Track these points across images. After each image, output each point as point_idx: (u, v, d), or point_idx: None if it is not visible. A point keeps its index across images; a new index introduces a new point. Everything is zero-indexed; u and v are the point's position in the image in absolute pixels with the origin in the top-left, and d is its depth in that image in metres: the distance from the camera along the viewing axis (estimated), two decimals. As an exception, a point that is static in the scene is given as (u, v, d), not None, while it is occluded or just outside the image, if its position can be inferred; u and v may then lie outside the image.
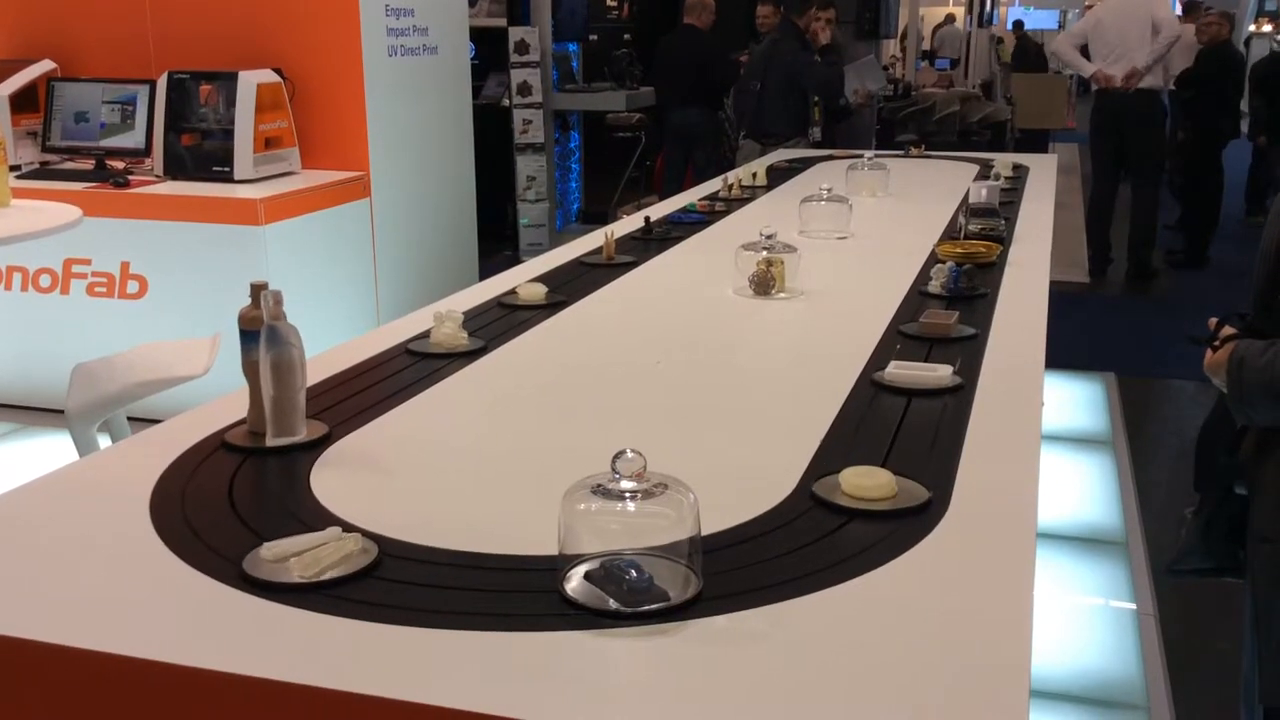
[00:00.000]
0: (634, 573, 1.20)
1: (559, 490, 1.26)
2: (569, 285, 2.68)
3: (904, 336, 2.23)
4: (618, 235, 3.10)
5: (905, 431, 1.72)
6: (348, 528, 1.36)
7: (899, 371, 1.95)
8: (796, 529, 1.40)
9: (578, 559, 1.24)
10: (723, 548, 1.34)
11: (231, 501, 1.49)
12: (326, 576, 1.25)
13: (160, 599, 1.25)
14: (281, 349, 1.59)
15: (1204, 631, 3.09)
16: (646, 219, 3.38)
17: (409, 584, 1.26)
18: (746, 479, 1.58)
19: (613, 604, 1.19)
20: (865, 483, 1.46)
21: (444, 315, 2.19)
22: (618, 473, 1.22)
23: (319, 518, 1.43)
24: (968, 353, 2.12)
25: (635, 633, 1.16)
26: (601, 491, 1.22)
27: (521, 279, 2.65)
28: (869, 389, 1.92)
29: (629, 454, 1.22)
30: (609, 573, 1.21)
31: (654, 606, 1.18)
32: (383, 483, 1.61)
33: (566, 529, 1.23)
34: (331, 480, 1.57)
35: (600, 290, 2.66)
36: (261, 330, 1.59)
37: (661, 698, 1.07)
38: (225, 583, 1.26)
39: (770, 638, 1.16)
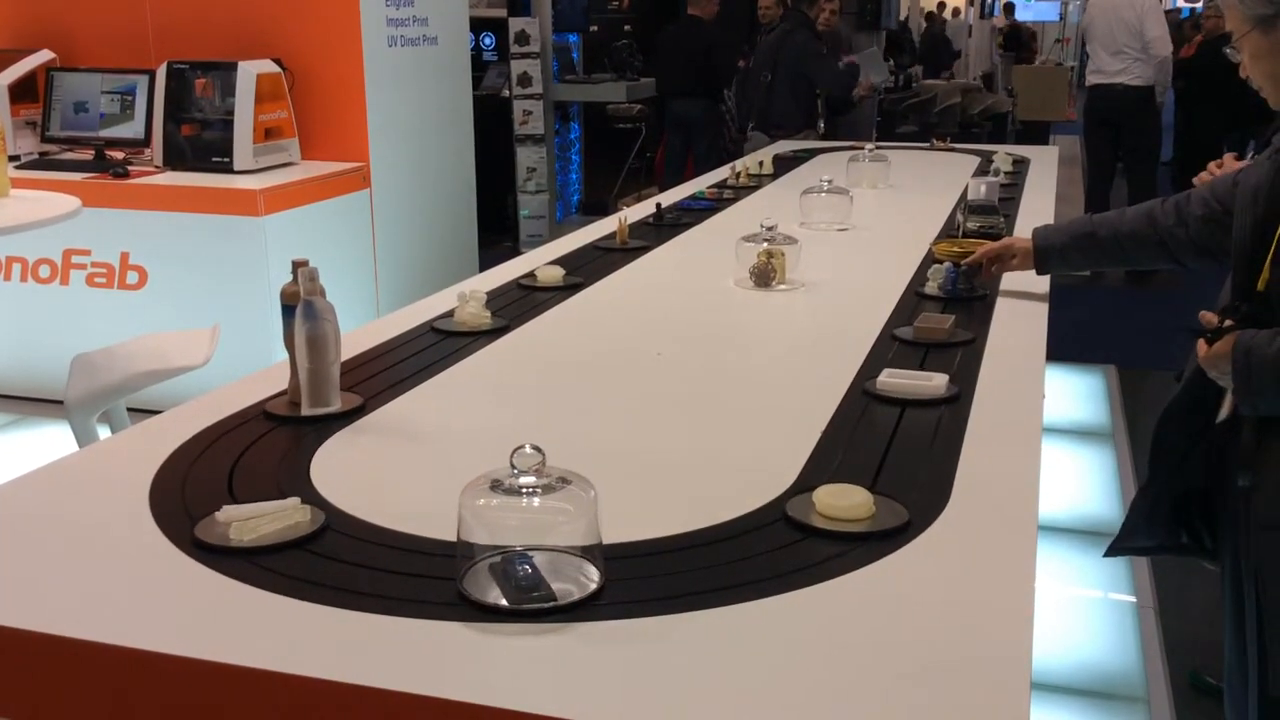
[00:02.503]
0: (526, 569, 1.19)
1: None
2: (585, 268, 2.77)
3: (898, 342, 2.15)
4: (630, 220, 3.19)
5: (897, 445, 1.64)
6: (309, 499, 1.41)
7: (892, 381, 1.86)
8: (755, 539, 1.35)
9: (473, 553, 1.22)
10: (670, 550, 1.32)
11: (232, 471, 1.54)
12: (260, 544, 1.31)
13: (135, 577, 1.27)
14: (316, 324, 1.65)
15: (1203, 624, 3.09)
16: (658, 205, 3.47)
17: (333, 560, 1.30)
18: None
19: (501, 600, 1.18)
20: (840, 502, 1.38)
21: (468, 295, 2.28)
22: (516, 468, 1.20)
23: (298, 488, 1.48)
24: (965, 359, 2.04)
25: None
26: (499, 487, 1.21)
27: (539, 261, 2.76)
28: (861, 398, 1.83)
29: (527, 449, 1.21)
30: (504, 568, 1.20)
31: (537, 606, 1.17)
32: (381, 460, 1.64)
33: (464, 523, 1.21)
34: (338, 453, 1.62)
35: (613, 275, 2.73)
36: (297, 305, 1.65)
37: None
38: (179, 546, 1.32)
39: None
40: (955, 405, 1.80)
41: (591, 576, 1.22)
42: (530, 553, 1.22)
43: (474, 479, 1.23)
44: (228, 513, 1.35)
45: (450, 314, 2.30)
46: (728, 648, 1.13)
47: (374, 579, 1.26)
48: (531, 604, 1.17)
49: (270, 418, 1.74)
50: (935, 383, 1.83)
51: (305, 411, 1.71)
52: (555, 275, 2.61)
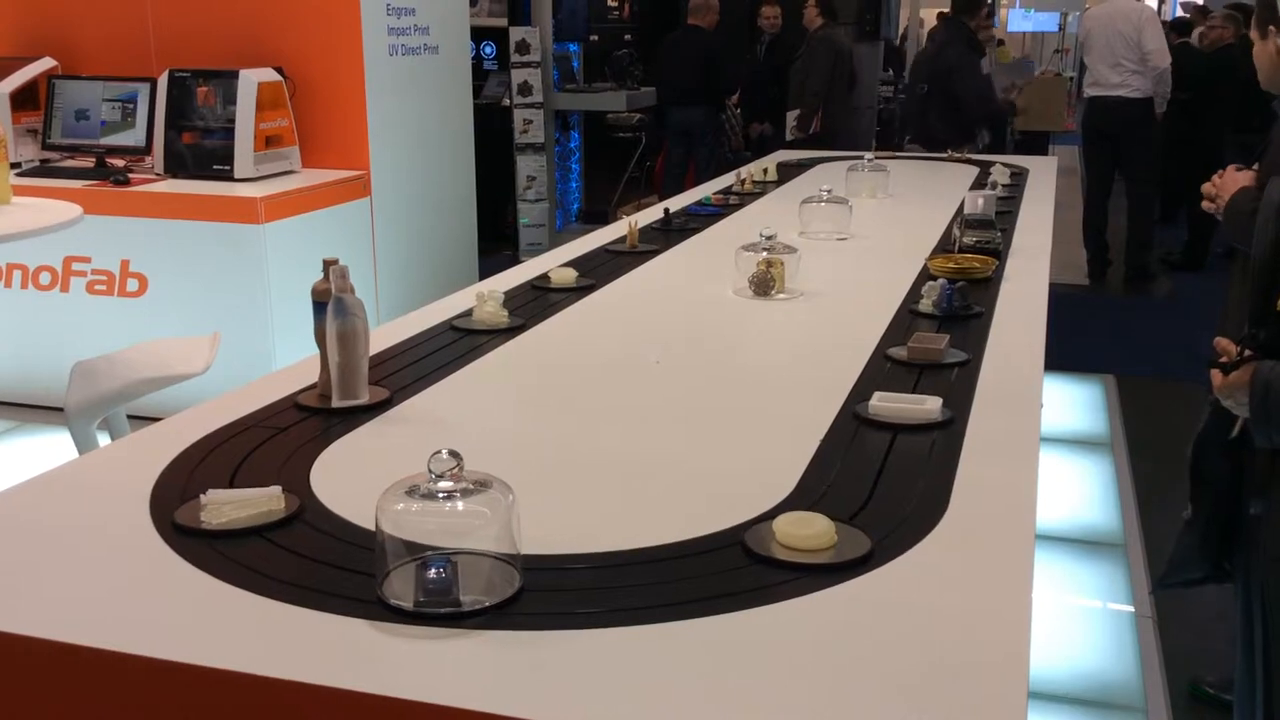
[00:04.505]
0: (440, 573, 1.19)
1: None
2: (596, 270, 2.83)
3: (891, 362, 2.07)
4: (640, 225, 3.28)
5: (888, 472, 1.57)
6: (300, 489, 1.47)
7: (884, 404, 1.77)
8: (707, 560, 1.31)
9: (388, 555, 1.22)
10: (618, 565, 1.30)
11: (244, 460, 1.60)
12: (228, 527, 1.37)
13: (132, 581, 1.27)
14: (346, 319, 1.72)
15: (1201, 634, 3.09)
16: (666, 210, 3.55)
17: (286, 550, 1.33)
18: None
19: (406, 602, 1.18)
20: (801, 531, 1.31)
21: (486, 295, 2.35)
22: (432, 472, 1.21)
23: (294, 478, 1.52)
24: (959, 380, 1.97)
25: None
26: (417, 491, 1.22)
27: (543, 267, 2.83)
28: (852, 422, 1.76)
29: (444, 454, 1.21)
30: (420, 571, 1.21)
31: (436, 610, 1.17)
32: (389, 455, 1.66)
33: (380, 526, 1.22)
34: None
35: (621, 279, 2.79)
36: (329, 302, 1.72)
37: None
38: (159, 529, 1.37)
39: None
40: (949, 430, 1.72)
41: (509, 582, 1.22)
42: (447, 556, 1.22)
43: (394, 483, 1.24)
44: (210, 496, 1.40)
45: (468, 313, 2.36)
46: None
47: (314, 571, 1.28)
48: (433, 608, 1.17)
49: (301, 409, 1.80)
50: (928, 406, 1.76)
51: (335, 404, 1.78)
52: (568, 277, 2.69)
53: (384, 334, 2.25)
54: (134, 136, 4.65)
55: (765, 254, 2.58)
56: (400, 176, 4.97)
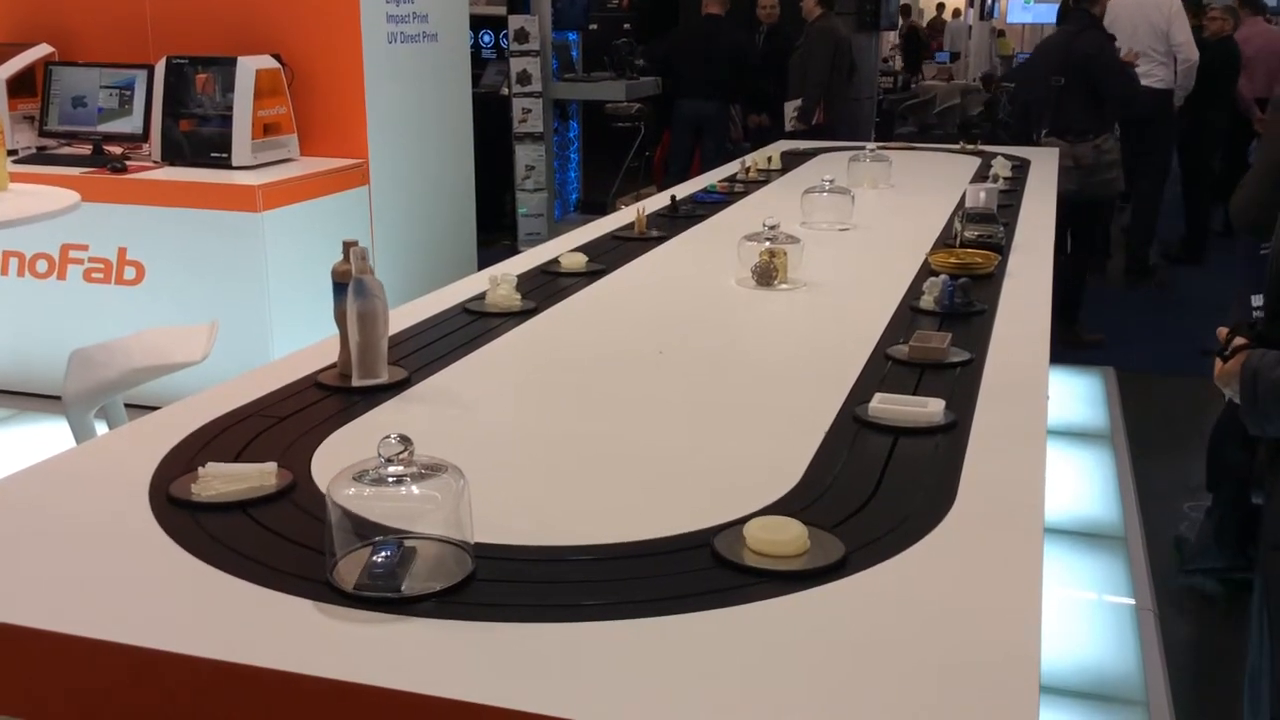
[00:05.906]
0: (386, 557, 1.19)
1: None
2: (606, 256, 2.88)
3: (892, 361, 2.01)
4: (647, 211, 3.33)
5: (889, 476, 1.51)
6: (293, 465, 1.49)
7: (884, 406, 1.71)
8: (673, 561, 1.28)
9: (336, 537, 1.21)
10: (595, 559, 1.28)
11: (254, 436, 1.62)
12: (215, 500, 1.39)
13: (134, 576, 1.26)
14: (367, 300, 1.75)
15: (1203, 626, 3.09)
16: (672, 197, 3.59)
17: (261, 526, 1.34)
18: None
19: (349, 586, 1.18)
20: (773, 537, 1.27)
21: (499, 279, 2.39)
22: (382, 456, 1.21)
23: (295, 456, 1.54)
24: (962, 380, 1.91)
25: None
26: (366, 476, 1.21)
27: (554, 252, 2.88)
28: (852, 424, 1.70)
29: (392, 439, 1.21)
30: (369, 555, 1.20)
31: (372, 594, 1.16)
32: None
33: (331, 509, 1.21)
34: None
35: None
36: (350, 283, 1.75)
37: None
38: (153, 504, 1.39)
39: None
40: (952, 433, 1.66)
41: (460, 568, 1.21)
42: (394, 541, 1.21)
43: (344, 468, 1.24)
44: (208, 469, 1.42)
45: (481, 296, 2.39)
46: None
47: (282, 550, 1.28)
48: (375, 592, 1.17)
49: (322, 388, 1.84)
50: (931, 409, 1.70)
51: (355, 383, 1.81)
52: (578, 262, 2.72)
53: (399, 316, 2.27)
54: (131, 124, 4.63)
55: (768, 244, 2.57)
56: (399, 165, 4.96)
